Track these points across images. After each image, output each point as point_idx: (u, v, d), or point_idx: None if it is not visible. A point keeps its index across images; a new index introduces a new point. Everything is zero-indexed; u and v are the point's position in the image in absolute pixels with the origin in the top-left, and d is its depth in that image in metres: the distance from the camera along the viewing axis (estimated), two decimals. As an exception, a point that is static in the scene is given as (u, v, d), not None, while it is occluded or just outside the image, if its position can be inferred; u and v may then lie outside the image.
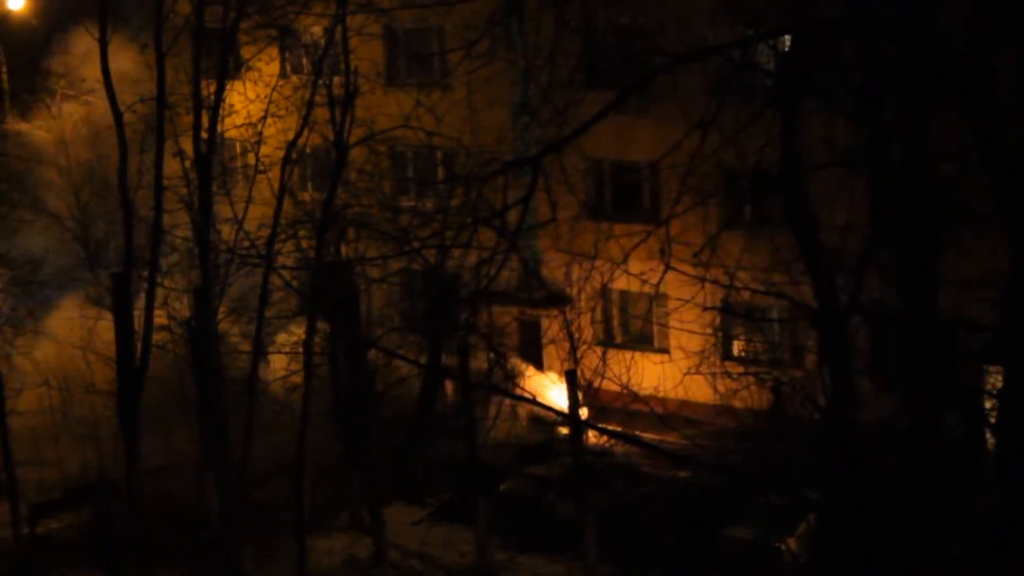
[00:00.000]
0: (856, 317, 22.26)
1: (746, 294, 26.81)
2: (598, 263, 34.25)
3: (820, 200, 22.39)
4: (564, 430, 39.34)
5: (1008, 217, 18.78)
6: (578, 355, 38.96)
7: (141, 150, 37.21)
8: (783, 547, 33.13)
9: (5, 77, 51.68)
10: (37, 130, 50.41)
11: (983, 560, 19.84)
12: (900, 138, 20.23)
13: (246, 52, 38.52)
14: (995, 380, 20.20)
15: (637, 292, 39.83)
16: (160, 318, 37.41)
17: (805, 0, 21.48)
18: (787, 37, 22.93)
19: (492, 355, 41.50)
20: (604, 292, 42.09)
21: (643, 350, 44.03)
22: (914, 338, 19.90)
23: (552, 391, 42.00)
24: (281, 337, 40.27)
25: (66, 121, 49.54)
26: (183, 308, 38.60)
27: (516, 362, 44.63)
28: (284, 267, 37.83)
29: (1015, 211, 18.70)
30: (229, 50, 36.12)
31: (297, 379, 37.17)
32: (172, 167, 36.98)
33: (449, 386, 43.25)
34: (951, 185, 21.84)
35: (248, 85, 40.50)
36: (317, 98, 37.21)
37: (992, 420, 19.86)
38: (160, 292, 37.57)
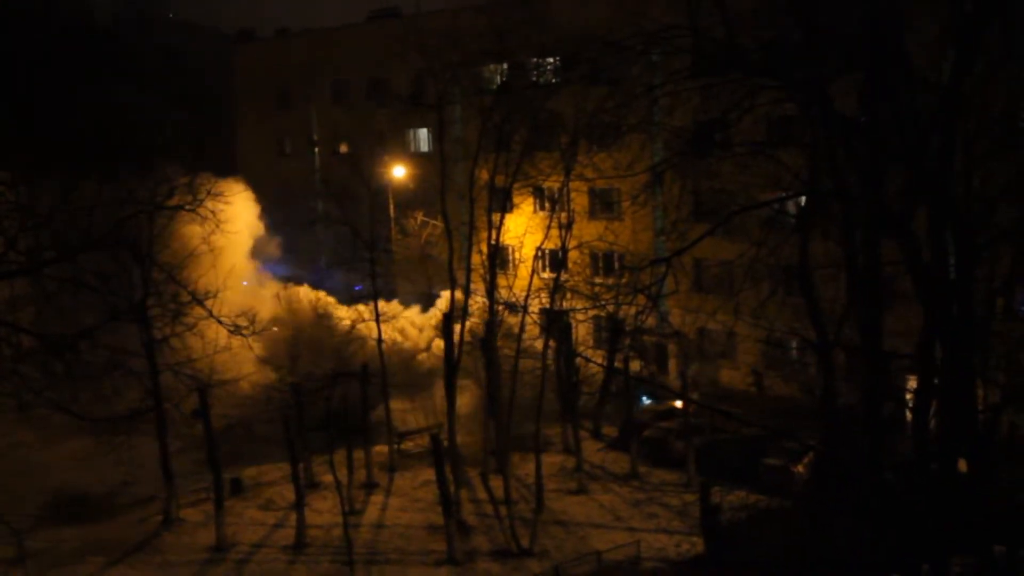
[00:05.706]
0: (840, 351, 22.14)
1: (779, 334, 26.63)
2: (698, 315, 34.18)
3: (821, 284, 22.52)
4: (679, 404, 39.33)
5: (921, 298, 18.82)
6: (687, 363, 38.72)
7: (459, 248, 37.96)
8: (796, 470, 32.91)
9: (393, 214, 52.28)
10: (405, 239, 51.18)
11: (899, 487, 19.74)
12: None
13: (516, 198, 38.84)
14: (912, 383, 20.13)
15: (720, 330, 39.91)
16: (466, 336, 38.24)
17: (816, 173, 21.20)
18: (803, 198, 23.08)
19: (645, 363, 41.59)
20: (702, 330, 42.35)
21: (724, 361, 44.06)
22: (869, 365, 19.81)
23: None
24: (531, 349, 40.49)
25: (422, 232, 50.34)
26: (479, 331, 39.31)
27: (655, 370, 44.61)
28: (531, 312, 38.26)
29: (925, 297, 18.70)
30: (507, 198, 36.64)
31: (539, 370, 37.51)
32: (476, 259, 37.99)
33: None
34: (888, 281, 21.32)
35: (516, 215, 41.13)
36: (553, 223, 37.55)
37: (910, 406, 19.89)
38: (468, 323, 38.47)
